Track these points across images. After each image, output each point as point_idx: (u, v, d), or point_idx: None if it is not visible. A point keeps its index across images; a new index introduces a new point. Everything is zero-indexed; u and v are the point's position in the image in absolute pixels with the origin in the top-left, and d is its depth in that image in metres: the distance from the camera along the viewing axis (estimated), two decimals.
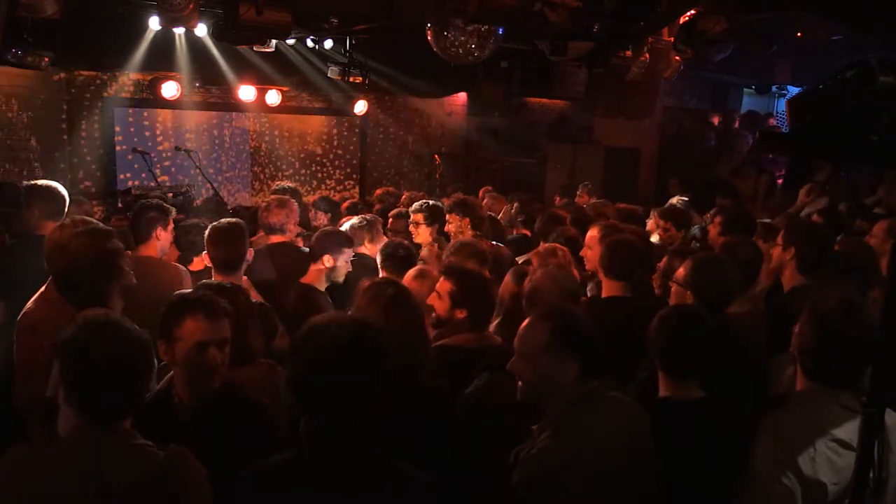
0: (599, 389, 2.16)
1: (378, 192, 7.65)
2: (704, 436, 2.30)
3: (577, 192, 7.57)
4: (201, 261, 3.68)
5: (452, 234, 4.66)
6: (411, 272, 3.42)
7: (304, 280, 3.89)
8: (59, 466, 1.81)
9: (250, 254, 3.64)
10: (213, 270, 3.47)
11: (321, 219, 5.76)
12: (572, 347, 2.10)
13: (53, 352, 1.93)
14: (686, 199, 6.53)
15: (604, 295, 3.51)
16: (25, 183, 3.98)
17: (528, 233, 5.70)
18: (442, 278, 3.05)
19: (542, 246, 3.75)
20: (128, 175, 8.47)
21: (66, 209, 3.78)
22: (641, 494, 2.15)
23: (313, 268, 3.88)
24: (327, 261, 3.83)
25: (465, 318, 2.94)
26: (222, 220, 3.58)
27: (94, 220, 2.94)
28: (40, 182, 3.82)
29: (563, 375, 2.10)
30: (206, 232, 3.51)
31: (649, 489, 2.17)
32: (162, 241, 3.71)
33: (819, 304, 2.15)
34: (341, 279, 3.89)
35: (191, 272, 3.73)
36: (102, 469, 1.79)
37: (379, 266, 3.89)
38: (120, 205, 7.31)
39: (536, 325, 2.17)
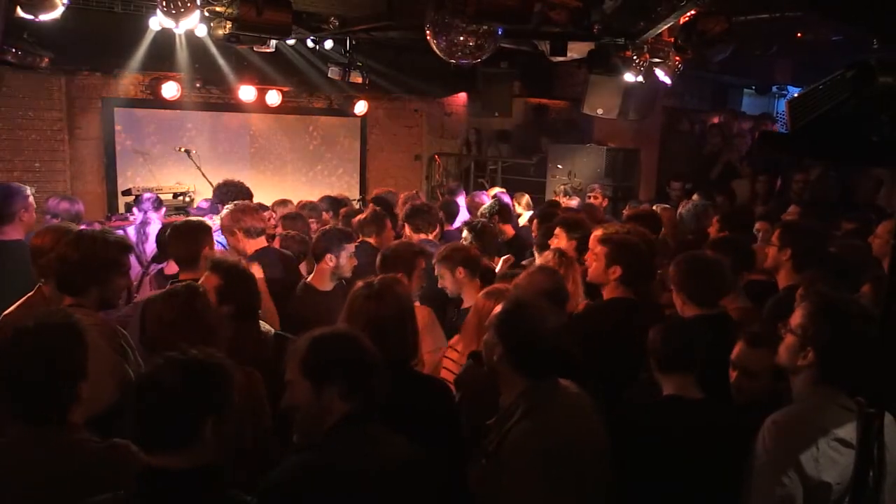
0: (552, 384, 2.24)
1: (376, 191, 7.65)
2: (703, 435, 2.30)
3: (590, 194, 7.43)
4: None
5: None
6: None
7: (309, 280, 3.96)
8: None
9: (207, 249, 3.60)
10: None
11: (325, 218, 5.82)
12: (508, 339, 2.23)
13: None
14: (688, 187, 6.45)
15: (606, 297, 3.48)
16: None
17: None
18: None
19: (544, 255, 3.80)
20: (128, 175, 8.47)
21: (18, 207, 3.80)
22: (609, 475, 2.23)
23: (317, 267, 3.93)
24: (330, 260, 3.86)
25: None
26: (183, 219, 3.67)
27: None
28: None
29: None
30: (167, 231, 3.58)
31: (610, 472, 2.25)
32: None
33: (828, 304, 2.14)
34: (348, 274, 3.88)
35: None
36: (41, 461, 1.86)
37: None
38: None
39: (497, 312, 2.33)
